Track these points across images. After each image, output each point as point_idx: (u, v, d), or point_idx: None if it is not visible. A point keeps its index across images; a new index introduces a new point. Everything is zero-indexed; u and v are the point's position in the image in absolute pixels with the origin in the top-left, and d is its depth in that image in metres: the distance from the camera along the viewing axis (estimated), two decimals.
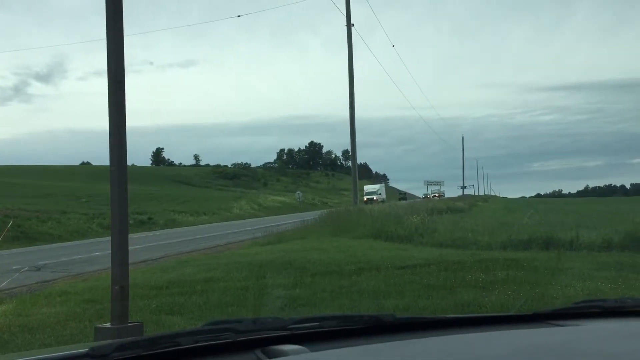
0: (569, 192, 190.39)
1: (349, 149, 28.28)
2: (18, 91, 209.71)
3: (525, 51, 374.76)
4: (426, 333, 1.81)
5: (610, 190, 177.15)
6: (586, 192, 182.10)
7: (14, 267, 12.97)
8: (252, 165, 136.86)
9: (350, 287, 8.25)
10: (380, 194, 76.30)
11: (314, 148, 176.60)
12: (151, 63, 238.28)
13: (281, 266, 10.51)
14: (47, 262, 15.20)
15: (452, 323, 1.96)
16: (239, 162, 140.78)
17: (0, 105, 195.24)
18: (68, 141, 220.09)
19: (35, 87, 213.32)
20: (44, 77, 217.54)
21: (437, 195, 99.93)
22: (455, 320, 2.00)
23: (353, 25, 27.50)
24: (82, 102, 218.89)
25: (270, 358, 1.49)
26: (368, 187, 77.83)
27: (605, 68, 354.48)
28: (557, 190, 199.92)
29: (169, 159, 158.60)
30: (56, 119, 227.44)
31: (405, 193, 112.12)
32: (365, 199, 67.78)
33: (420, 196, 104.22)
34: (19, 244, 23.87)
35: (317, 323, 1.75)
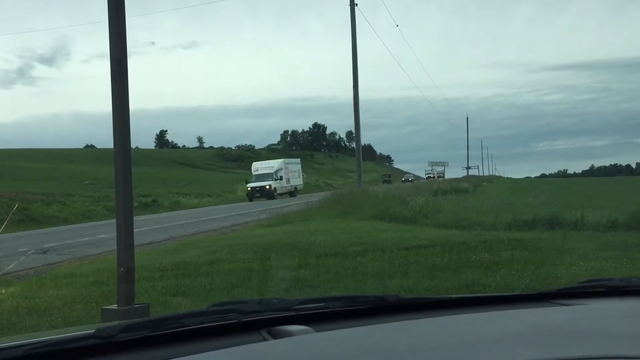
0: (574, 172, 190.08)
1: (353, 130, 28.22)
2: (22, 74, 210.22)
3: (530, 30, 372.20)
4: (430, 313, 1.81)
5: (615, 170, 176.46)
6: (592, 172, 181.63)
7: (20, 250, 13.05)
8: (256, 147, 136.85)
9: (355, 268, 8.28)
10: (280, 177, 45.08)
11: (318, 130, 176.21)
12: (153, 43, 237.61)
13: (286, 248, 10.54)
14: (53, 244, 15.29)
15: (457, 303, 1.96)
16: (243, 144, 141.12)
17: (4, 89, 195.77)
18: (72, 124, 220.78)
19: (39, 70, 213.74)
20: (48, 60, 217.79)
21: (432, 176, 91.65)
22: (460, 301, 2.00)
23: (356, 5, 27.29)
24: (86, 84, 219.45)
25: (275, 338, 1.49)
26: (258, 166, 46.75)
27: (611, 47, 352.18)
28: (562, 170, 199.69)
29: (172, 142, 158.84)
30: (60, 101, 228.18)
31: (390, 175, 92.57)
32: (249, 188, 42.70)
33: (416, 178, 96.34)
34: (24, 227, 24.00)
35: (322, 304, 1.76)
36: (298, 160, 54.76)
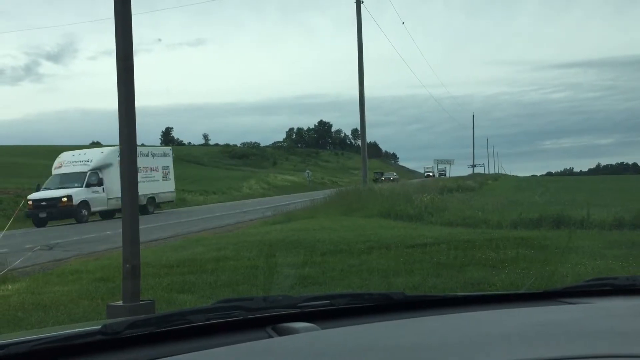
0: (580, 170, 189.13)
1: (359, 128, 28.21)
2: (29, 71, 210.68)
3: (536, 28, 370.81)
4: (436, 311, 1.81)
5: (622, 168, 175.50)
6: (598, 170, 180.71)
7: (27, 246, 13.10)
8: (262, 145, 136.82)
9: (360, 266, 8.28)
10: (97, 182, 25.03)
11: (323, 127, 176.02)
12: (159, 40, 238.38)
13: (291, 245, 10.55)
14: (59, 241, 15.36)
15: (462, 301, 1.96)
16: (249, 141, 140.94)
17: (11, 85, 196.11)
18: (78, 121, 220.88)
19: (46, 67, 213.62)
20: (55, 57, 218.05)
21: (432, 174, 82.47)
22: (465, 299, 2.00)
23: (362, 2, 27.24)
24: (93, 81, 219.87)
25: (281, 335, 1.50)
26: (65, 158, 26.38)
27: (618, 44, 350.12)
28: (568, 168, 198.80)
29: (178, 139, 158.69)
30: (66, 98, 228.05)
31: (382, 172, 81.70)
32: (29, 202, 23.84)
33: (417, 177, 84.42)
34: (30, 223, 24.07)
35: (327, 301, 1.76)
36: (165, 150, 31.62)
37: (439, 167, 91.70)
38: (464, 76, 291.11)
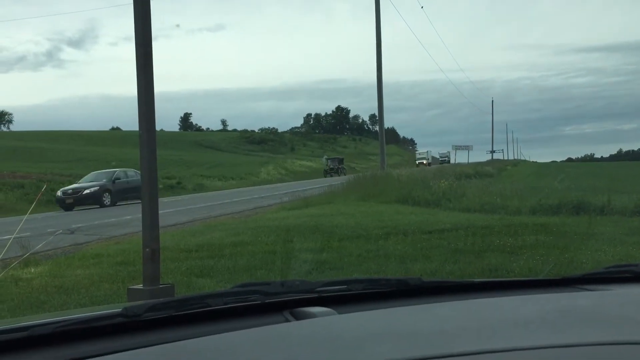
0: (602, 156, 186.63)
1: (376, 113, 28.07)
2: (51, 57, 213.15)
3: (559, 11, 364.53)
4: (453, 297, 1.81)
5: None
6: (619, 156, 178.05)
7: (49, 230, 13.29)
8: (280, 130, 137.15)
9: (377, 252, 8.28)
10: None
11: (341, 112, 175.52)
12: (177, 25, 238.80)
13: (308, 230, 10.57)
14: (80, 225, 15.54)
15: (480, 287, 1.95)
16: (266, 127, 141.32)
17: (34, 71, 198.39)
18: (99, 106, 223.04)
19: (68, 53, 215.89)
20: (76, 43, 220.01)
21: (426, 162, 66.33)
22: (483, 285, 1.99)
23: None
24: (113, 67, 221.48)
25: (298, 319, 1.51)
26: None
27: None
28: (589, 154, 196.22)
29: (196, 124, 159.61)
30: (88, 84, 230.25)
31: (341, 159, 59.39)
32: None
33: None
34: (52, 207, 24.42)
35: (345, 286, 1.77)
36: None
37: (428, 152, 76.14)
38: (484, 61, 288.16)
